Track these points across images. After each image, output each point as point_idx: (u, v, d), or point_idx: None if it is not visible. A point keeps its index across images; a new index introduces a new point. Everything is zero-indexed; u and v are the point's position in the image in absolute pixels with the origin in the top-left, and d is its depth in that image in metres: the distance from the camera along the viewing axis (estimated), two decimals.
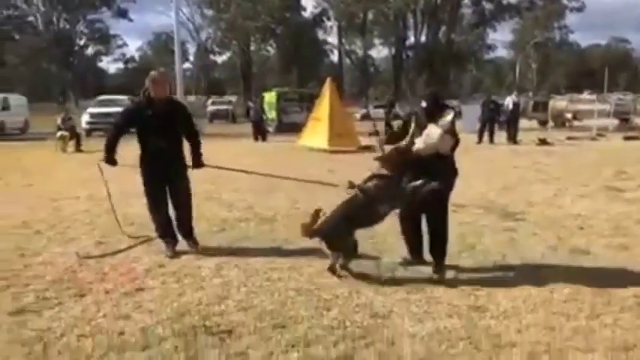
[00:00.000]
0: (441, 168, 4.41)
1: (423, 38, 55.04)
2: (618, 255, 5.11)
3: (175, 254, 5.15)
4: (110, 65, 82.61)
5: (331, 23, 56.32)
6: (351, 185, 4.55)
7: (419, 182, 4.34)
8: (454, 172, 4.55)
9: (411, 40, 55.62)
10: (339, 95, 17.73)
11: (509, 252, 5.19)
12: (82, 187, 9.06)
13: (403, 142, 4.44)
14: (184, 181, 5.33)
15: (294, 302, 3.99)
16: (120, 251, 5.35)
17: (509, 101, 19.26)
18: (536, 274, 4.53)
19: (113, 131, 5.34)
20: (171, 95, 5.49)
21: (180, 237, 5.40)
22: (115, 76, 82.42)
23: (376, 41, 59.54)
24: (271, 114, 25.15)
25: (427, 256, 4.72)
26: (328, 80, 16.78)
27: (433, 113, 4.45)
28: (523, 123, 21.30)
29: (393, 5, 49.56)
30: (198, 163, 5.41)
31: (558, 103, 26.85)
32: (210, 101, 42.67)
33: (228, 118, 37.81)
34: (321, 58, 62.46)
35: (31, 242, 5.77)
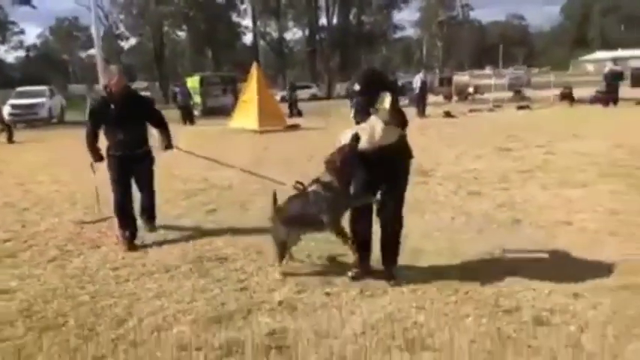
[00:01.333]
0: (395, 161, 4.01)
1: (335, 20, 56.70)
2: (501, 194, 6.81)
3: (133, 248, 5.20)
4: (8, 55, 78.01)
5: (245, 6, 56.66)
6: (299, 185, 4.26)
7: (372, 197, 4.08)
8: (409, 156, 4.11)
9: (324, 22, 57.16)
10: (265, 78, 18.87)
11: (422, 197, 6.74)
12: (41, 172, 9.83)
13: (342, 140, 4.03)
14: (149, 172, 5.57)
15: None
16: (111, 217, 6.38)
17: (417, 79, 21.20)
18: (442, 209, 6.12)
19: (88, 131, 5.37)
20: (129, 87, 5.58)
21: (140, 221, 5.63)
22: (15, 66, 78.29)
23: (290, 24, 60.60)
24: (195, 98, 25.83)
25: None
26: (254, 65, 17.88)
27: (370, 96, 3.92)
28: (430, 98, 23.34)
29: None
30: (167, 145, 5.64)
31: (461, 78, 29.43)
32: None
33: None
34: (235, 41, 62.62)
35: (24, 216, 6.71)
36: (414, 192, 7.05)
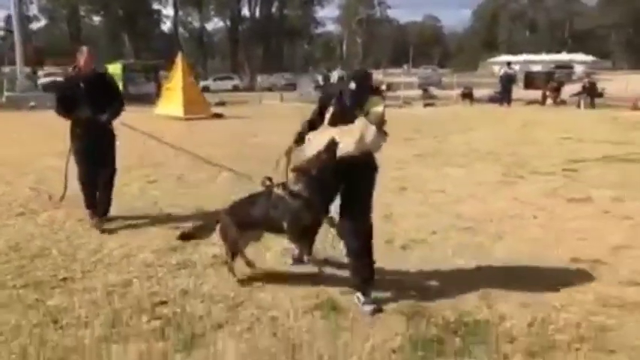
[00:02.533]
0: (364, 166, 3.74)
1: (257, 12, 57.56)
2: (395, 172, 8.33)
3: (101, 224, 5.43)
4: None
5: None
6: (267, 181, 4.00)
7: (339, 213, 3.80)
8: (376, 167, 3.83)
9: (247, 13, 57.91)
10: (190, 68, 19.72)
11: None
12: None
13: (314, 145, 3.74)
14: (111, 153, 5.62)
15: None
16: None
17: (335, 76, 22.80)
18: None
19: (57, 108, 5.45)
20: (95, 68, 5.65)
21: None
22: None
23: (212, 13, 60.78)
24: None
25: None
26: (180, 54, 18.70)
27: (362, 98, 3.65)
28: None
29: None
30: (108, 117, 5.42)
31: (375, 76, 31.27)
32: (42, 72, 40.98)
33: None
34: (154, 29, 61.97)
35: None
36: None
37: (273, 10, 58.63)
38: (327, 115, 3.79)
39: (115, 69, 27.33)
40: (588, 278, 4.12)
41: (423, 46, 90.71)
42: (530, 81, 29.04)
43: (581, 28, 79.32)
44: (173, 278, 4.13)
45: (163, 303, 3.70)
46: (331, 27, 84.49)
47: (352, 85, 3.65)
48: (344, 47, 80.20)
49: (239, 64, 56.98)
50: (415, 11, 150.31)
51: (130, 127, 6.12)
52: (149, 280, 4.11)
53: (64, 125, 5.63)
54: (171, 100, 18.04)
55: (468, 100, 23.88)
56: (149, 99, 23.25)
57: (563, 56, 64.68)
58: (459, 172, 8.40)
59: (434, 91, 27.59)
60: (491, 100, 23.56)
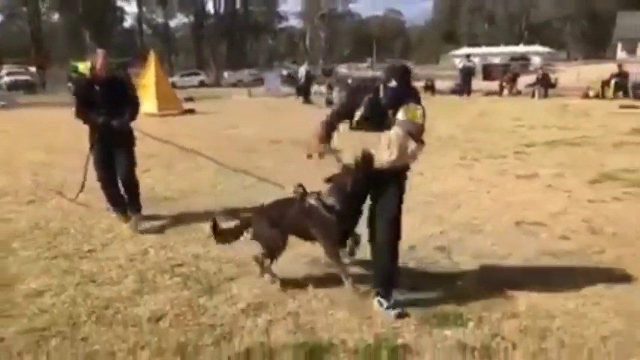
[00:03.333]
0: (395, 175, 3.56)
1: (221, 9, 57.73)
2: None
3: (127, 219, 5.53)
4: None
5: None
6: (299, 189, 3.89)
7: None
8: (407, 169, 3.65)
9: (211, 10, 58.07)
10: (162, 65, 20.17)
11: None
12: None
13: (353, 147, 3.50)
14: (130, 153, 5.57)
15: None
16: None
17: (302, 70, 23.50)
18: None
19: (77, 109, 5.40)
20: (112, 69, 5.67)
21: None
22: None
23: (176, 9, 60.68)
24: None
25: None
26: (152, 52, 19.13)
27: (401, 99, 3.39)
28: (316, 87, 25.69)
29: None
30: (123, 122, 5.37)
31: (341, 70, 32.15)
32: (4, 71, 40.46)
33: (30, 88, 36.66)
34: (116, 25, 61.46)
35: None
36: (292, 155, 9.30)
37: (237, 6, 58.98)
38: (357, 113, 3.52)
39: (82, 68, 27.42)
40: (530, 235, 5.02)
41: (386, 40, 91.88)
42: (488, 73, 30.38)
43: (537, 20, 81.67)
44: (184, 247, 4.85)
45: (179, 265, 4.41)
46: (294, 22, 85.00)
47: (393, 83, 3.33)
48: (307, 42, 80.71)
49: (204, 60, 57.09)
50: (377, 5, 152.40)
51: (144, 133, 6.08)
52: (163, 249, 4.81)
53: (43, 121, 6.19)
54: (145, 98, 18.43)
55: (430, 92, 24.92)
56: None
57: (521, 48, 66.61)
58: (422, 156, 9.25)
59: None
60: (453, 91, 24.67)
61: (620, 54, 54.21)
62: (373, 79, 4.24)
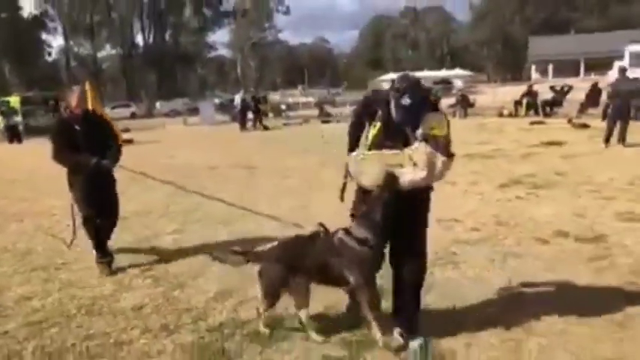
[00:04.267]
0: (420, 193, 3.29)
1: (151, 39, 57.78)
2: (305, 174, 9.95)
3: (110, 272, 5.05)
4: None
5: (55, 24, 55.15)
6: (321, 227, 3.54)
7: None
8: (429, 189, 3.37)
9: (140, 41, 58.01)
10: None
11: (246, 176, 9.61)
12: None
13: (367, 177, 3.29)
14: (114, 197, 5.38)
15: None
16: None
17: (237, 98, 24.27)
18: (264, 182, 9.05)
19: (55, 152, 5.05)
20: (88, 109, 5.44)
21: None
22: None
23: (104, 41, 60.16)
24: (16, 118, 25.86)
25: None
26: (87, 82, 19.30)
27: (417, 113, 3.13)
28: (250, 115, 26.39)
29: (118, 12, 51.42)
30: (111, 162, 5.14)
31: (274, 97, 33.15)
32: None
33: None
34: (39, 58, 60.09)
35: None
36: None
37: (167, 37, 59.24)
38: (372, 132, 3.28)
39: (14, 102, 27.04)
40: (447, 229, 5.94)
41: (315, 67, 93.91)
42: None
43: (457, 45, 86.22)
44: (151, 256, 5.45)
45: (149, 269, 5.02)
46: (224, 51, 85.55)
47: (406, 101, 3.04)
48: (238, 70, 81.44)
49: (134, 91, 56.71)
50: (305, 33, 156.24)
51: (124, 168, 5.63)
52: (135, 256, 5.40)
53: None
54: None
55: None
56: (45, 130, 23.51)
57: (443, 72, 69.94)
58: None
59: (329, 109, 29.75)
60: None
61: (535, 75, 58.12)
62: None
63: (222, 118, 28.87)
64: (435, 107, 3.31)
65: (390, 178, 3.14)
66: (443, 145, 3.12)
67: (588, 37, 57.59)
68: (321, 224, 3.53)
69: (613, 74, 34.53)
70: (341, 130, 15.23)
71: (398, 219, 3.26)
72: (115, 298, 4.34)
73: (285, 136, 19.78)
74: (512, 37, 75.45)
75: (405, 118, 3.12)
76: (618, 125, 11.68)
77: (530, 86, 22.54)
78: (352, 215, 3.47)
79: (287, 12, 75.37)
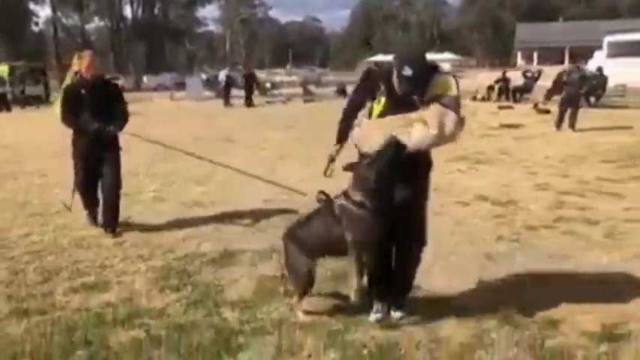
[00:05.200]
0: (422, 162, 3.23)
1: (139, 13, 57.83)
2: (282, 150, 10.85)
3: (96, 224, 5.44)
4: None
5: None
6: (322, 196, 3.40)
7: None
8: (430, 162, 3.31)
9: (129, 14, 58.05)
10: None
11: (228, 148, 10.50)
12: None
13: (370, 142, 3.12)
14: (116, 160, 5.35)
15: None
16: None
17: (222, 74, 25.03)
18: (246, 150, 9.97)
19: (63, 116, 5.21)
20: (102, 74, 5.50)
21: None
22: None
23: (93, 12, 60.08)
24: (4, 87, 26.40)
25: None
26: (76, 55, 19.94)
27: (422, 83, 3.05)
28: (236, 92, 27.15)
29: None
30: (116, 128, 5.23)
31: (260, 75, 33.78)
32: None
33: None
34: (26, 29, 59.94)
35: None
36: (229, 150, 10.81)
37: (156, 11, 59.29)
38: (376, 107, 3.17)
39: (2, 71, 27.52)
40: None
41: (305, 46, 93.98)
42: None
43: (447, 28, 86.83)
44: (130, 212, 6.36)
45: (131, 219, 5.91)
46: (213, 26, 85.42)
47: (407, 72, 2.95)
48: (227, 47, 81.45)
49: (122, 64, 56.83)
50: (297, 11, 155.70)
51: (134, 135, 5.97)
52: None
53: None
54: None
55: (342, 96, 27.07)
56: (39, 101, 24.33)
57: (432, 56, 70.46)
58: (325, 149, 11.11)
59: (313, 88, 30.52)
60: None
61: (520, 62, 58.90)
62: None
63: (208, 94, 29.55)
64: (441, 71, 3.18)
65: (391, 142, 2.98)
66: (453, 105, 3.00)
67: (574, 25, 58.36)
68: (321, 191, 3.40)
69: (594, 63, 35.66)
70: (320, 108, 16.33)
71: (398, 191, 3.17)
72: (101, 237, 5.23)
73: (267, 113, 20.65)
74: (501, 23, 76.15)
75: (408, 89, 3.02)
76: (569, 111, 12.70)
77: (504, 72, 23.48)
78: (348, 168, 3.27)
79: None
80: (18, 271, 4.33)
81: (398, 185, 3.17)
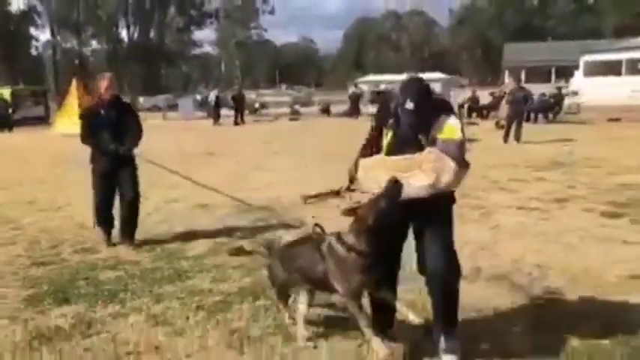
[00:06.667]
0: (438, 204, 2.98)
1: (136, 36, 59.84)
2: (264, 162, 12.36)
3: (109, 242, 5.64)
4: None
5: (42, 21, 57.13)
6: (317, 229, 3.43)
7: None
8: (453, 196, 3.10)
9: (125, 38, 60.10)
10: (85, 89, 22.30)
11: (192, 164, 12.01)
12: None
13: (370, 184, 3.07)
14: (133, 177, 5.61)
15: None
16: None
17: (212, 95, 26.73)
18: (239, 160, 11.47)
19: (82, 134, 5.50)
20: (118, 95, 5.72)
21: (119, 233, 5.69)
22: None
23: (90, 35, 62.12)
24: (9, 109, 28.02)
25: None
26: (74, 80, 21.64)
27: (426, 118, 2.92)
28: (226, 111, 28.66)
29: (104, 10, 53.64)
30: (128, 147, 5.49)
31: (250, 96, 35.45)
32: None
33: None
34: (24, 52, 61.79)
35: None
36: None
37: (152, 34, 61.43)
38: (385, 141, 3.12)
39: (4, 94, 29.12)
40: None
41: (300, 67, 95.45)
42: (374, 98, 34.84)
43: (438, 48, 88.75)
44: None
45: None
46: (209, 48, 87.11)
47: (409, 105, 2.88)
48: (222, 68, 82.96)
49: (118, 86, 58.24)
50: (291, 33, 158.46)
51: (153, 163, 6.04)
52: None
53: None
54: (69, 121, 20.77)
55: (326, 114, 28.75)
56: (39, 122, 26.20)
57: (423, 75, 71.72)
58: (296, 160, 12.63)
59: (299, 108, 32.19)
60: (345, 114, 28.53)
61: (507, 80, 60.50)
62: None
63: (200, 114, 31.15)
64: (447, 109, 3.06)
65: (392, 185, 2.91)
66: (454, 151, 2.87)
67: (559, 45, 59.82)
68: (318, 224, 3.44)
69: (575, 82, 37.40)
70: (305, 126, 17.96)
71: (417, 228, 3.09)
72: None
73: (252, 130, 22.23)
74: (490, 43, 77.97)
75: (411, 122, 2.92)
76: (514, 126, 14.30)
77: (474, 91, 25.27)
78: (348, 213, 3.22)
79: (272, 12, 77.48)
80: (33, 242, 5.83)
81: (408, 221, 3.10)
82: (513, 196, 7.69)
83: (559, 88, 21.70)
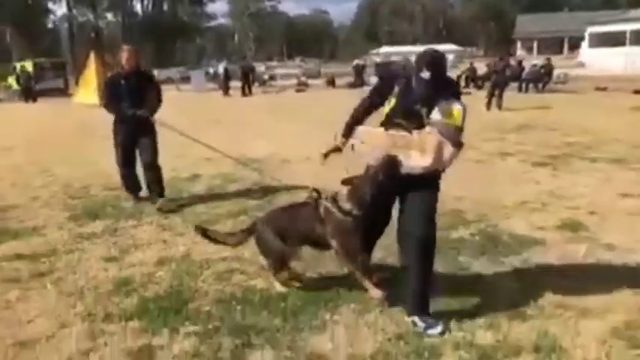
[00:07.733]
0: (427, 180, 3.17)
1: (149, 9, 60.84)
2: (264, 128, 13.69)
3: (139, 201, 6.19)
4: None
5: None
6: (314, 193, 3.60)
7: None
8: (440, 173, 3.24)
9: (139, 10, 61.15)
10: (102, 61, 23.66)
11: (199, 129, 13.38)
12: None
13: (376, 146, 3.20)
14: (153, 143, 5.99)
15: None
16: None
17: (221, 67, 28.02)
18: (242, 126, 12.84)
19: (106, 102, 5.95)
20: (138, 65, 5.99)
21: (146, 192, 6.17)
22: None
23: (105, 8, 63.24)
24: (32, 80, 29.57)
25: None
26: (93, 52, 22.95)
27: (436, 92, 3.01)
28: (235, 83, 29.85)
29: None
30: (145, 112, 5.82)
31: (258, 68, 36.61)
32: None
33: None
34: (43, 26, 63.05)
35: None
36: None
37: (165, 7, 62.35)
38: (387, 107, 3.21)
39: (27, 66, 30.67)
40: None
41: (314, 39, 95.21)
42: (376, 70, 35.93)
43: (452, 20, 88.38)
44: None
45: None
46: (223, 20, 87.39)
47: (426, 74, 2.93)
48: (236, 41, 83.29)
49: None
50: (302, 4, 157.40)
51: (166, 126, 6.13)
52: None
53: None
54: (87, 90, 22.22)
55: (331, 86, 29.90)
56: (59, 93, 27.83)
57: (436, 46, 71.55)
58: (297, 127, 13.93)
59: (306, 80, 33.31)
60: (350, 85, 29.61)
61: (520, 52, 60.63)
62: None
63: (211, 86, 32.42)
64: (455, 91, 3.21)
65: (390, 162, 3.09)
66: (453, 135, 3.01)
67: (572, 15, 59.73)
68: (315, 189, 3.61)
69: (582, 52, 37.99)
70: (309, 97, 19.48)
71: (404, 197, 3.22)
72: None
73: (259, 101, 23.55)
74: (504, 14, 77.64)
75: (423, 92, 3.00)
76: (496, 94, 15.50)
77: (471, 63, 26.33)
78: (346, 182, 3.45)
79: None
80: (67, 185, 7.34)
81: (398, 191, 3.25)
82: (474, 152, 8.85)
83: (548, 59, 22.52)
